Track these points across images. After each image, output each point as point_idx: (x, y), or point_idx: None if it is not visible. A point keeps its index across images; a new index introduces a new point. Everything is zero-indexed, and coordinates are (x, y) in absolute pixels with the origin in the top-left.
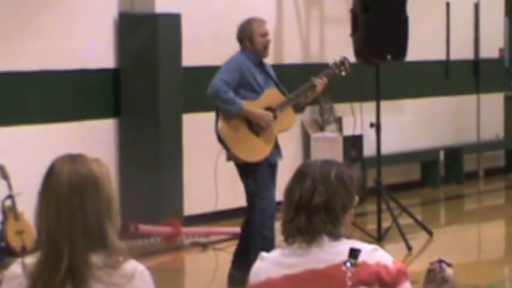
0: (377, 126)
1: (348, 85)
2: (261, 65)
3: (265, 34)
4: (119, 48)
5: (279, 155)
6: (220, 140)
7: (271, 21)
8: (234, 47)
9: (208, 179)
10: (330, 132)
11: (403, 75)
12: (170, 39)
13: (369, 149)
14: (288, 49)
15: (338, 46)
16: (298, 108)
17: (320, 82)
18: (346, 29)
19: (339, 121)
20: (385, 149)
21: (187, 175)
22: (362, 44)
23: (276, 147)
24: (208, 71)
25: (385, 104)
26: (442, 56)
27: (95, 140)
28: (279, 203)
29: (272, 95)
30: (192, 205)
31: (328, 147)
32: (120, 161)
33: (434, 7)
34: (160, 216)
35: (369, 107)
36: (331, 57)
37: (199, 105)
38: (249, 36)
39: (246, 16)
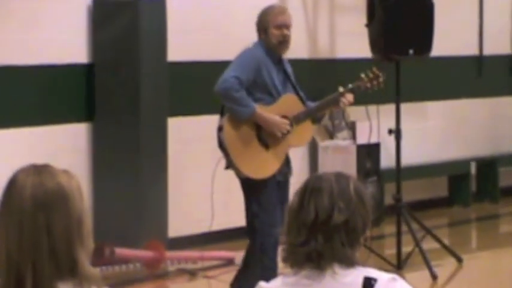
0: (397, 133)
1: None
2: (279, 63)
3: (281, 26)
4: (93, 40)
5: (290, 172)
6: (222, 146)
7: None
8: (229, 39)
9: (199, 194)
10: (342, 140)
11: (427, 73)
12: (153, 30)
13: (387, 160)
14: (292, 42)
15: (351, 39)
16: (315, 120)
17: (345, 102)
18: (361, 18)
19: (351, 127)
20: (406, 160)
21: (172, 190)
22: (379, 36)
23: (287, 164)
24: (199, 67)
25: (406, 107)
26: (474, 51)
27: (64, 148)
28: None
29: (289, 102)
30: (178, 225)
31: (339, 158)
32: (93, 172)
33: None
34: (140, 238)
35: (388, 110)
36: (342, 51)
37: (187, 108)
38: (264, 27)
39: (241, 3)
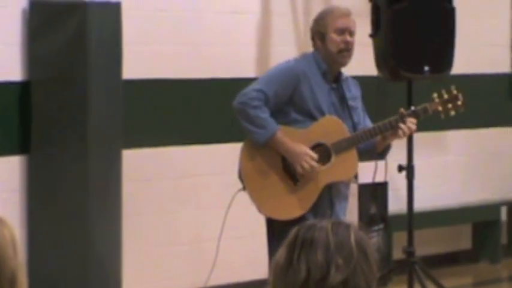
0: (408, 170)
1: (366, 108)
2: (336, 81)
3: (344, 30)
4: (29, 52)
5: (333, 214)
6: (240, 177)
7: (254, 18)
8: (199, 52)
9: (160, 245)
10: None
11: None
12: (105, 40)
13: (396, 203)
14: (278, 55)
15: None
16: (374, 155)
17: (405, 130)
18: (364, 26)
19: None
20: (420, 204)
21: (128, 239)
22: (387, 49)
23: (330, 203)
24: (161, 87)
25: (420, 138)
26: (505, 68)
27: None
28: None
29: (330, 126)
30: (134, 284)
31: None
32: (29, 217)
33: None
34: None
35: (397, 141)
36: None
37: (147, 138)
38: (321, 32)
39: (217, 8)
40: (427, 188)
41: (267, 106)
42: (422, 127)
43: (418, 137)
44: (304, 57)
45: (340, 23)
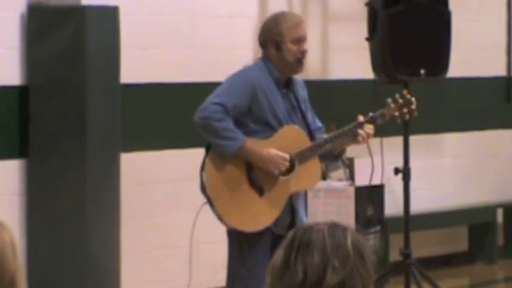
0: (405, 172)
1: (363, 112)
2: (287, 86)
3: (301, 39)
4: (28, 57)
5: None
6: (204, 191)
7: (251, 21)
8: (197, 56)
9: (158, 246)
10: (337, 181)
11: (443, 99)
12: (103, 44)
13: (392, 206)
14: None
15: (348, 56)
16: (332, 158)
17: (364, 136)
18: (360, 30)
19: (349, 165)
20: (417, 207)
21: (126, 241)
22: (383, 52)
23: (291, 212)
24: (160, 91)
25: (416, 140)
26: (500, 71)
27: None
28: None
29: (291, 135)
30: (133, 285)
31: (333, 204)
32: (28, 221)
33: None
34: None
35: (394, 144)
36: (337, 71)
37: (145, 141)
38: (276, 40)
39: (214, 12)
40: (424, 190)
41: (229, 117)
42: (418, 130)
43: (414, 139)
44: (255, 65)
45: (297, 33)
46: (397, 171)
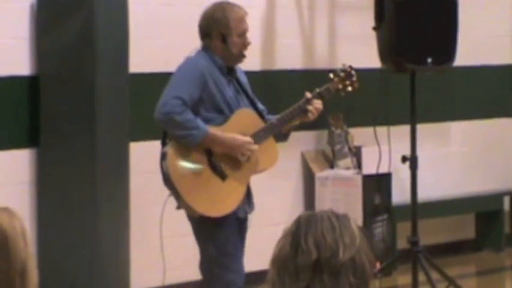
0: (412, 161)
1: (370, 101)
2: (230, 74)
3: (245, 32)
4: (38, 47)
5: (251, 206)
6: (168, 182)
7: (259, 11)
8: None
9: (168, 235)
10: (344, 169)
11: (450, 87)
12: (112, 34)
13: (400, 194)
14: (282, 50)
15: (355, 45)
16: (280, 137)
17: (313, 111)
18: (368, 19)
19: (356, 153)
20: (424, 195)
21: (136, 230)
22: (391, 41)
23: (248, 197)
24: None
25: (424, 129)
26: (508, 60)
27: (2, 180)
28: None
29: (245, 118)
30: (143, 275)
31: (341, 192)
32: (39, 210)
33: None
34: None
35: (401, 132)
36: (345, 60)
37: (154, 130)
38: (221, 31)
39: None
40: (431, 179)
41: (188, 109)
42: (425, 118)
43: (421, 128)
44: (200, 53)
45: (242, 27)
46: (404, 159)
